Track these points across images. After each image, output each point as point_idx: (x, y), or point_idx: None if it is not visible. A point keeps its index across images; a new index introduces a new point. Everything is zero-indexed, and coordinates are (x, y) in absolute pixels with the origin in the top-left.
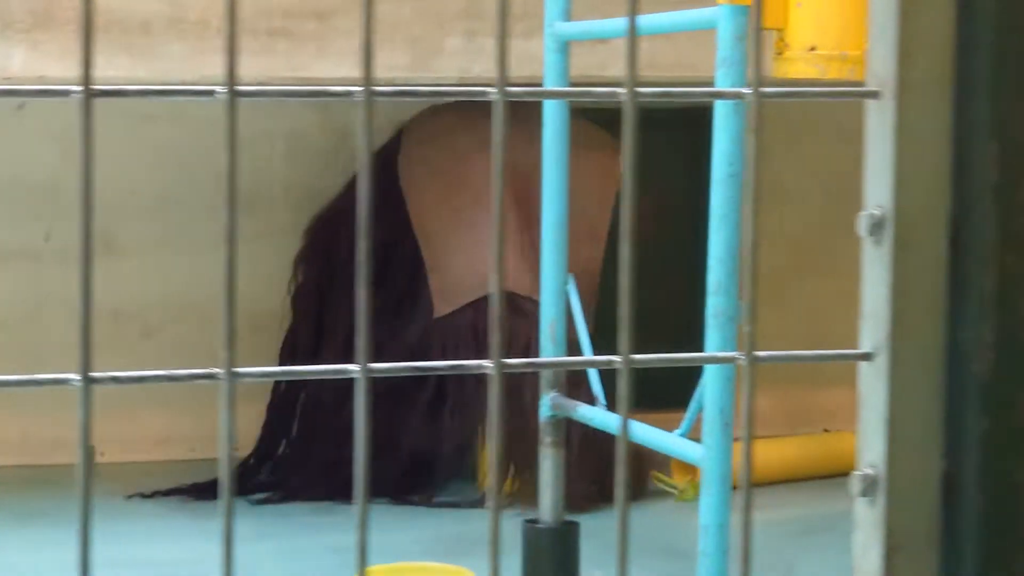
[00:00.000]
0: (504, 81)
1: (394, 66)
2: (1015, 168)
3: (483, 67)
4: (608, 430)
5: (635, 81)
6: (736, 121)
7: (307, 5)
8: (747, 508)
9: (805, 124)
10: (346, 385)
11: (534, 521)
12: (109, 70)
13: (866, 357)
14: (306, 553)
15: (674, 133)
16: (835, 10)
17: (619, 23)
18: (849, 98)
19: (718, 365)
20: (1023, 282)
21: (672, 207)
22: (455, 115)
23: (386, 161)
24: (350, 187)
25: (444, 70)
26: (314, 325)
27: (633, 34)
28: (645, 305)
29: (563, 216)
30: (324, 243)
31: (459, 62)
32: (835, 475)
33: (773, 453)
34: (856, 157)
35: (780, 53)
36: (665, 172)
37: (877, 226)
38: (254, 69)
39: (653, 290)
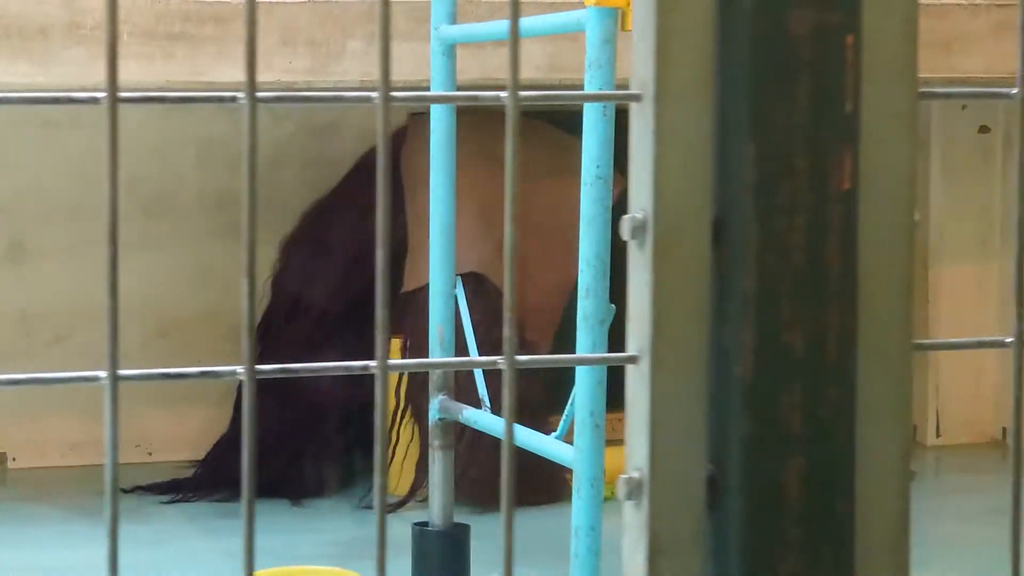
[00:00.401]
0: (253, 86)
1: (294, 70)
2: (773, 169)
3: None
4: (490, 433)
5: (388, 87)
6: (604, 124)
7: (207, 10)
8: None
9: None
10: (292, 381)
11: (424, 524)
12: (8, 76)
13: (631, 360)
14: (201, 557)
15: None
16: None
17: (500, 26)
18: (612, 101)
19: (590, 367)
20: (783, 283)
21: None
22: (465, 116)
23: (392, 148)
24: (350, 175)
25: (346, 73)
26: (290, 306)
27: (386, 39)
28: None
29: (451, 222)
30: (316, 228)
31: (361, 65)
32: None
33: None
34: None
35: None
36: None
37: (639, 229)
38: (152, 74)
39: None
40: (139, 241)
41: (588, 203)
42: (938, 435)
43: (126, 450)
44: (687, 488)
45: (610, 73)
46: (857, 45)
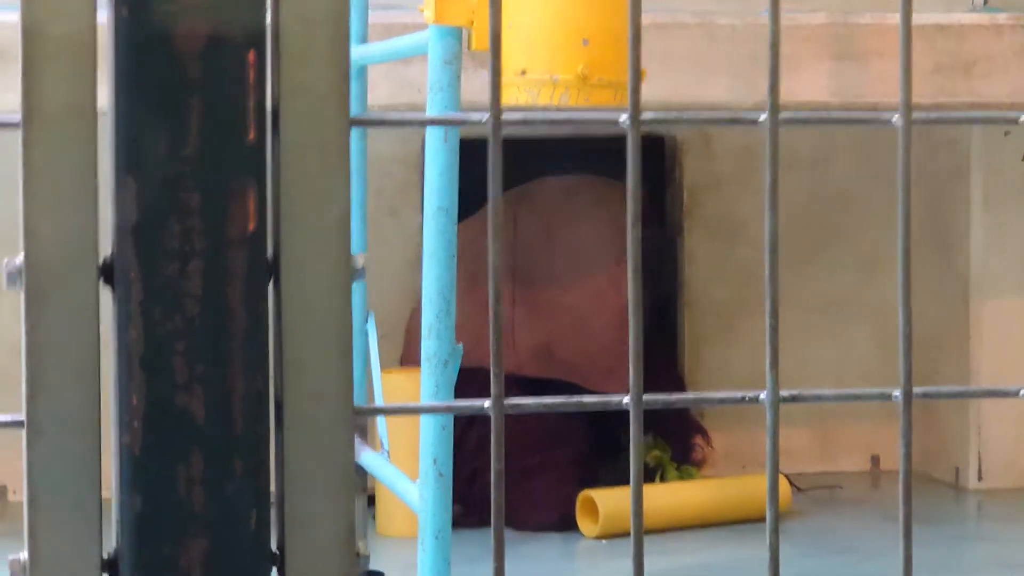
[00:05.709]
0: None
1: None
2: (158, 206)
3: None
4: (372, 474)
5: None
6: (445, 152)
7: None
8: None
9: (757, 153)
10: None
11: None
12: None
13: (18, 425)
14: None
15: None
16: (545, 33)
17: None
18: None
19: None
20: (174, 338)
21: None
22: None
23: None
24: None
25: None
26: None
27: None
28: None
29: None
30: None
31: None
32: (749, 520)
33: (674, 497)
34: (808, 186)
35: None
36: None
37: (17, 275)
38: None
39: None
40: None
41: (430, 236)
42: (980, 478)
43: None
44: (78, 572)
45: (452, 95)
46: (260, 63)
